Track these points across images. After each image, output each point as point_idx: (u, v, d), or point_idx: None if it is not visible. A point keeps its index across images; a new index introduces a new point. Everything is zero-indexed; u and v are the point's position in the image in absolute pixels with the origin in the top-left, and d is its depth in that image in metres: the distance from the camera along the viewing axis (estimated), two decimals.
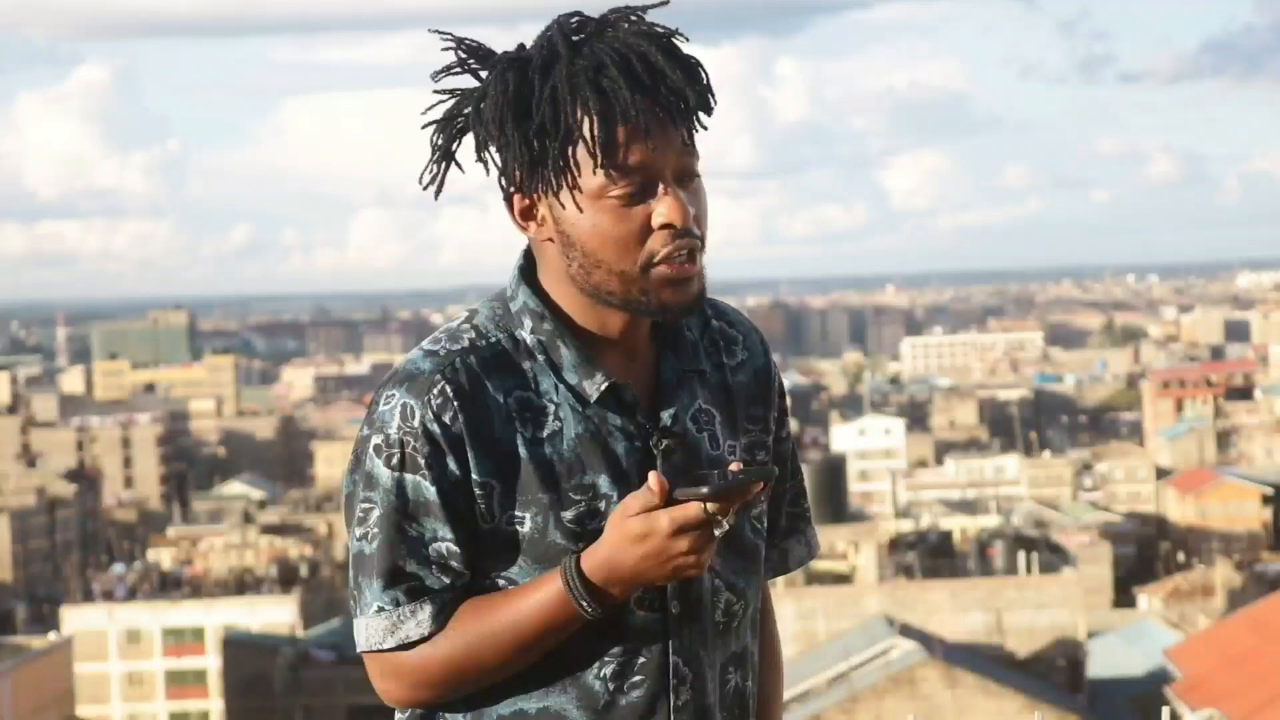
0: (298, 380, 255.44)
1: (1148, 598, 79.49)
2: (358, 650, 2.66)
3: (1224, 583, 73.46)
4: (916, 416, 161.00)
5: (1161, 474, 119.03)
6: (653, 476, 2.48)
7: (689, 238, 2.57)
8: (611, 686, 2.60)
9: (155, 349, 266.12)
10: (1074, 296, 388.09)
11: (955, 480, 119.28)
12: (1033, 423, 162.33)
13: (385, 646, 2.60)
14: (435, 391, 2.57)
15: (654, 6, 2.61)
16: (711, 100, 2.60)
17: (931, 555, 70.46)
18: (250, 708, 76.25)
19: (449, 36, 2.69)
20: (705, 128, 2.61)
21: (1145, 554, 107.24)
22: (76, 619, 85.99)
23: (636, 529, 2.48)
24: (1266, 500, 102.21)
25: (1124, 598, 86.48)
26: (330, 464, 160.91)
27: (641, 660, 2.61)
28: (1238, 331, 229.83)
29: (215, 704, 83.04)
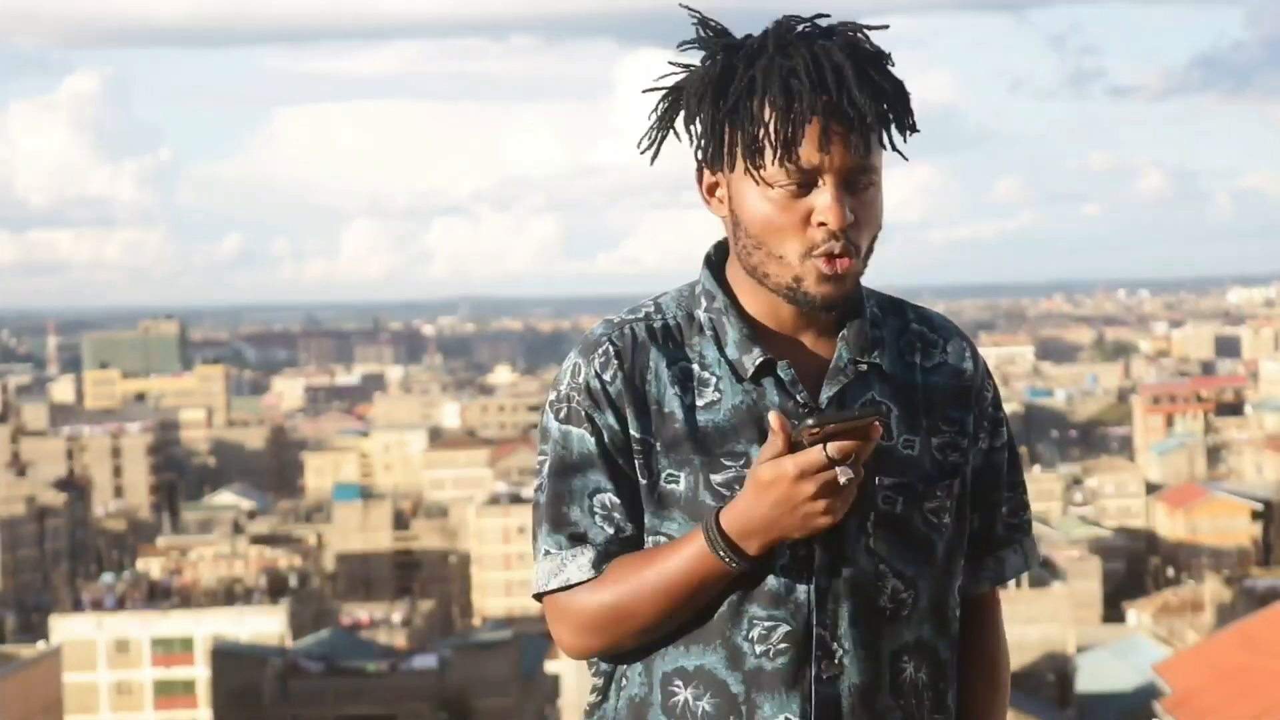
0: (288, 390, 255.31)
1: (1137, 613, 79.50)
2: (532, 594, 2.84)
3: (1213, 598, 73.43)
4: None
5: (1151, 489, 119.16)
6: (773, 415, 2.62)
7: (845, 241, 2.71)
8: (758, 650, 2.72)
9: (146, 358, 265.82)
10: (1065, 311, 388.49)
11: None
12: (1023, 437, 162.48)
13: (549, 588, 2.77)
14: (600, 352, 2.78)
15: (876, 28, 2.78)
16: (907, 120, 2.77)
17: None
18: (239, 718, 76.15)
19: (696, 14, 2.81)
20: (887, 145, 2.76)
21: (1135, 569, 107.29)
22: (65, 628, 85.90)
23: (765, 476, 2.61)
24: (1256, 516, 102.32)
25: (1113, 612, 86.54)
26: (320, 474, 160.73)
27: (786, 629, 2.72)
28: (1228, 347, 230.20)
29: (204, 714, 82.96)
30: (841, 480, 2.59)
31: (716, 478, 2.72)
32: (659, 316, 2.81)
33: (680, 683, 2.75)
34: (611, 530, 2.75)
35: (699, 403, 2.75)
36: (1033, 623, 64.00)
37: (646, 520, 2.75)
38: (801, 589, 2.71)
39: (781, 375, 2.75)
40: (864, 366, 2.79)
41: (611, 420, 2.74)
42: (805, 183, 2.70)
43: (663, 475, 2.74)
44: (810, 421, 2.58)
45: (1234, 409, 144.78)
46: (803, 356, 2.79)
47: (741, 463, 2.72)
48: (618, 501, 2.74)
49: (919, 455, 2.79)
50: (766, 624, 2.71)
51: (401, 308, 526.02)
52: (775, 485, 2.60)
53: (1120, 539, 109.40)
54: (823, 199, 2.70)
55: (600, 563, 2.74)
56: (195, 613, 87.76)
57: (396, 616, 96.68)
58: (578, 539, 2.75)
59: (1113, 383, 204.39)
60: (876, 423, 2.59)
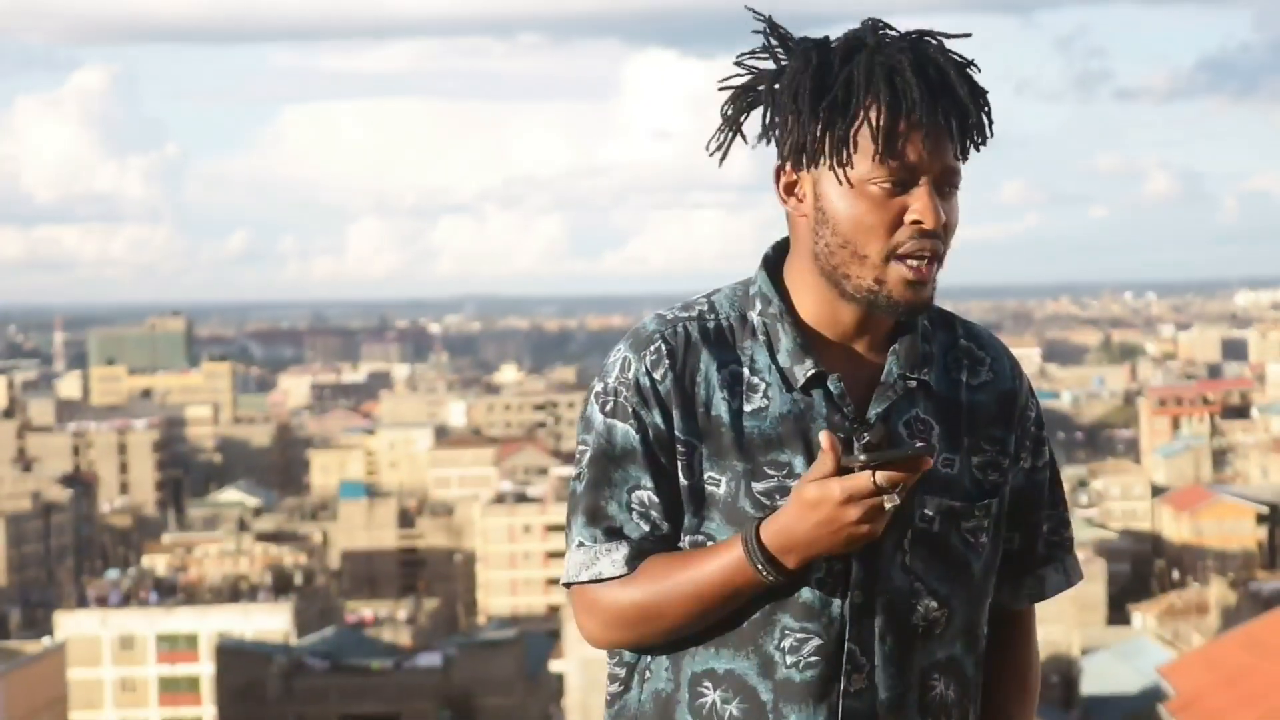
0: (294, 388, 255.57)
1: (1142, 615, 79.50)
2: (561, 582, 2.84)
3: (1218, 601, 73.44)
4: None
5: (1157, 491, 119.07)
6: (824, 435, 2.62)
7: (934, 240, 2.71)
8: (789, 660, 2.73)
9: (152, 355, 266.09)
10: (1071, 313, 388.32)
11: None
12: None
13: (579, 579, 2.77)
14: (652, 349, 2.77)
15: (958, 36, 2.77)
16: (989, 130, 2.76)
17: None
18: (243, 715, 76.20)
19: (762, 18, 2.80)
20: (973, 148, 2.75)
21: (1140, 571, 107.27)
22: (70, 624, 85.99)
23: (811, 495, 2.61)
24: (1262, 519, 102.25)
25: (1118, 615, 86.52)
26: (326, 472, 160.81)
27: (818, 642, 2.73)
28: (1235, 350, 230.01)
29: (208, 711, 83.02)
30: (886, 506, 2.60)
31: (758, 486, 2.72)
32: (712, 316, 2.80)
33: (710, 684, 2.75)
34: (647, 528, 2.75)
35: (746, 408, 2.74)
36: (1038, 624, 63.95)
37: (686, 520, 2.75)
38: (836, 603, 2.72)
39: (831, 389, 2.74)
40: (913, 383, 2.79)
41: (658, 419, 2.74)
42: (901, 181, 2.68)
43: (704, 477, 2.73)
44: (862, 458, 2.58)
45: (1240, 412, 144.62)
46: (854, 366, 2.78)
47: (784, 473, 2.72)
48: (656, 500, 2.74)
49: (959, 474, 2.80)
50: (799, 635, 2.72)
51: (408, 306, 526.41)
52: (820, 507, 2.61)
53: (1125, 541, 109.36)
54: (918, 199, 2.69)
55: (634, 560, 2.74)
56: (200, 609, 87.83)
57: (401, 614, 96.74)
58: (613, 534, 2.75)
59: (1119, 385, 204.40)
60: (927, 457, 2.60)
